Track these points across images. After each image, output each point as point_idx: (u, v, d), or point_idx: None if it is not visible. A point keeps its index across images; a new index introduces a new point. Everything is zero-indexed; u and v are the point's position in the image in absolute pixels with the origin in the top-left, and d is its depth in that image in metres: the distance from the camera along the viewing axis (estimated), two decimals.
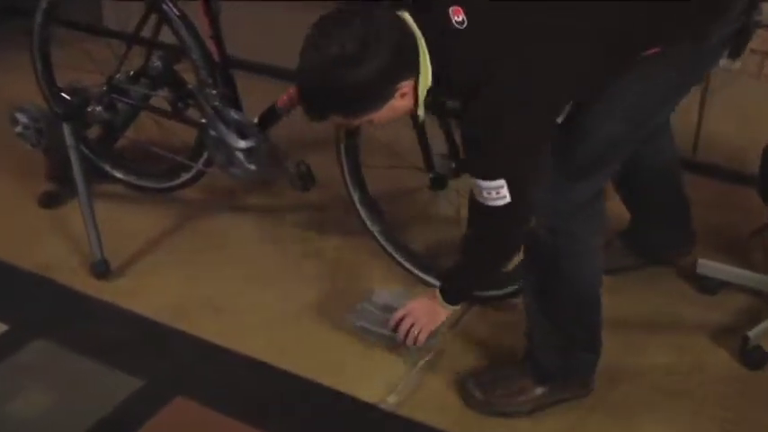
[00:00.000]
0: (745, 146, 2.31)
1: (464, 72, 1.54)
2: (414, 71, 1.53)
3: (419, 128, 2.04)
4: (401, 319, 1.88)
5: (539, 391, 1.86)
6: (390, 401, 1.93)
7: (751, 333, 1.99)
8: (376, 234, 2.27)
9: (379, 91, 1.53)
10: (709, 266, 2.19)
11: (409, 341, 1.88)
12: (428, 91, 1.56)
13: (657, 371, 2.00)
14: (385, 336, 1.97)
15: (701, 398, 1.94)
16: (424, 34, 1.53)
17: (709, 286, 2.20)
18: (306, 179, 2.26)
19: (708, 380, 1.98)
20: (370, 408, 1.91)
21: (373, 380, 1.98)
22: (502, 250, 1.73)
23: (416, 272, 2.24)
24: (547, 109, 1.54)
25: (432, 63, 1.54)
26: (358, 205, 2.26)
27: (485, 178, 1.56)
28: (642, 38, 1.54)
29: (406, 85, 1.54)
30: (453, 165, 2.09)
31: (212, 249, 2.41)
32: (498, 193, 1.56)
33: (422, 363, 1.99)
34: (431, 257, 2.27)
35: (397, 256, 2.26)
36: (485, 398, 1.89)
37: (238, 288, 2.26)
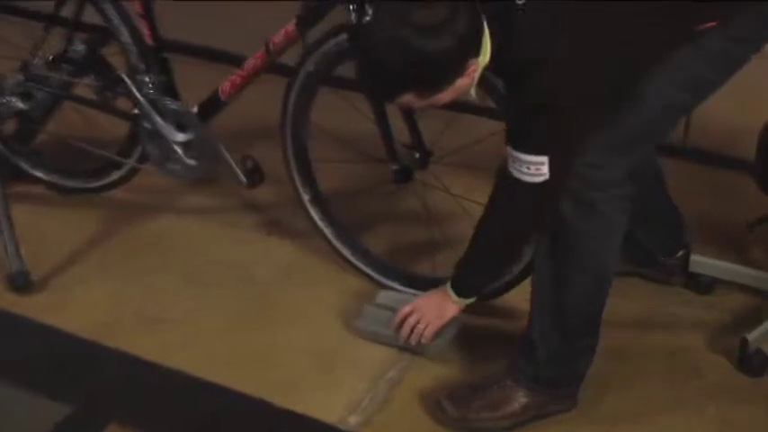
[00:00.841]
0: (741, 128, 2.33)
1: (524, 49, 1.62)
2: (480, 48, 1.63)
3: (382, 116, 2.07)
4: (406, 317, 1.94)
5: (522, 401, 1.87)
6: (352, 422, 1.93)
7: (750, 336, 2.00)
8: (329, 235, 2.28)
9: (459, 65, 1.61)
10: (703, 263, 2.19)
11: (413, 339, 1.93)
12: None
13: (649, 379, 2.01)
14: (392, 337, 2.00)
15: (696, 409, 1.95)
16: (483, 11, 1.63)
17: (703, 285, 2.22)
18: (253, 175, 2.25)
19: (704, 388, 1.99)
20: (329, 430, 1.90)
21: (332, 398, 1.97)
22: (526, 231, 1.79)
23: (377, 277, 2.24)
24: (605, 84, 1.62)
25: (492, 40, 1.63)
26: (308, 204, 2.27)
27: (529, 152, 1.63)
28: (697, 11, 1.64)
29: (474, 62, 1.63)
30: (417, 155, 2.12)
31: (147, 257, 2.39)
32: (538, 169, 1.63)
33: (386, 377, 2.00)
34: (393, 261, 2.28)
35: (353, 259, 2.27)
36: (459, 413, 1.89)
37: (176, 299, 2.25)
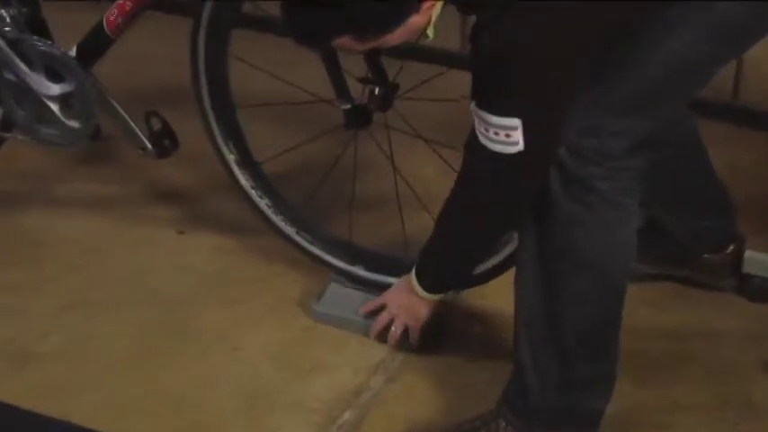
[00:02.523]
0: None
1: None
2: None
3: (329, 49, 2.07)
4: (377, 309, 2.09)
5: None
6: None
7: None
8: (265, 210, 2.28)
9: (408, 1, 1.66)
10: (761, 261, 2.19)
11: (392, 342, 2.09)
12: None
13: (689, 414, 2.00)
14: (361, 324, 2.14)
15: None
16: None
17: (758, 289, 2.20)
18: (162, 139, 2.23)
19: (761, 428, 1.97)
20: None
21: None
22: (500, 214, 1.81)
23: (333, 261, 2.25)
24: (592, 25, 1.63)
25: None
26: (235, 168, 2.28)
27: (497, 111, 1.64)
28: None
29: None
30: (378, 90, 2.10)
31: (13, 267, 2.37)
32: (509, 135, 1.64)
33: (339, 421, 1.99)
34: (354, 238, 2.27)
35: (300, 240, 2.27)
36: None
37: (55, 325, 2.22)
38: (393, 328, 2.08)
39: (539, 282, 1.79)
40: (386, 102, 2.13)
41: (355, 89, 2.14)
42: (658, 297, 2.21)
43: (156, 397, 2.04)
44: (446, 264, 1.99)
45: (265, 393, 2.04)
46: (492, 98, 1.66)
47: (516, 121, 1.63)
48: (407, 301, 2.05)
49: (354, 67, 2.11)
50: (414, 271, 2.01)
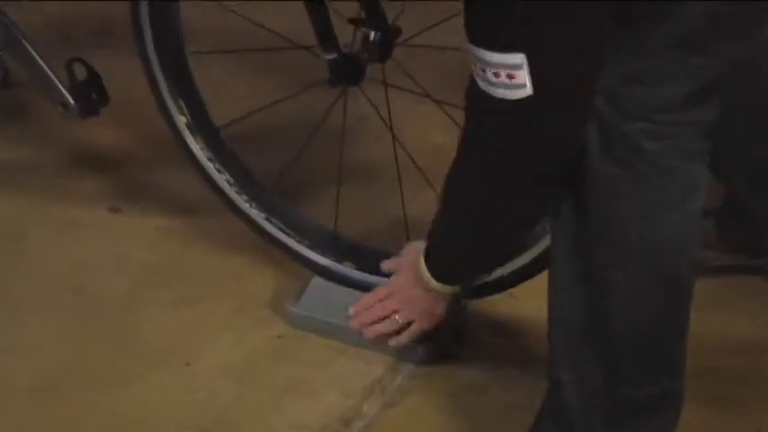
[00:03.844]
0: None
1: None
2: None
3: None
4: (378, 301, 2.03)
5: None
6: None
7: None
8: (224, 187, 2.25)
9: None
10: None
11: (395, 341, 2.01)
12: None
13: None
14: (351, 331, 2.08)
15: None
16: None
17: None
18: (87, 92, 2.24)
19: None
20: None
21: None
22: (517, 185, 1.74)
23: (310, 255, 2.22)
24: None
25: None
26: (185, 134, 2.25)
27: (492, 47, 1.59)
28: None
29: None
30: (374, 35, 2.09)
31: None
32: (512, 77, 1.59)
33: None
34: (338, 226, 2.25)
35: (268, 226, 2.25)
36: None
37: None
38: (397, 318, 2.02)
39: (576, 276, 1.76)
40: (383, 50, 2.11)
41: (344, 33, 2.10)
42: (731, 297, 2.20)
43: (84, 427, 1.99)
44: (456, 248, 1.91)
45: (227, 422, 2.00)
46: (486, 30, 1.61)
47: (519, 57, 1.57)
48: (415, 293, 1.97)
49: (343, 5, 2.09)
50: (422, 255, 1.93)
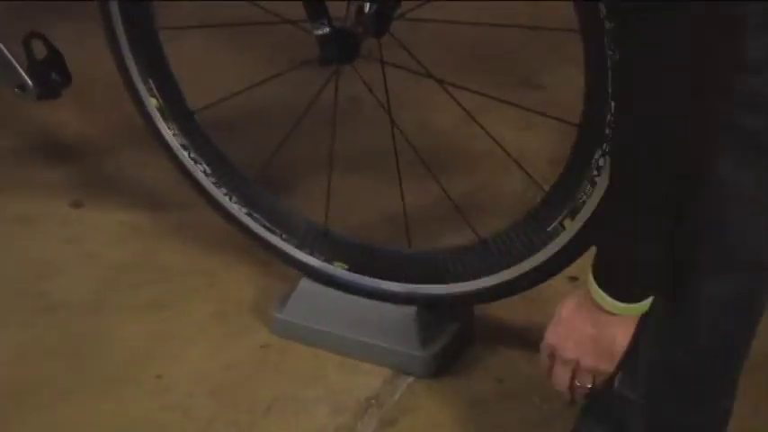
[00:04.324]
0: None
1: None
2: None
3: None
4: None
5: None
6: None
7: None
8: (199, 177, 2.24)
9: None
10: None
11: (578, 397, 1.84)
12: None
13: None
14: (344, 340, 2.08)
15: None
16: None
17: None
18: (47, 71, 2.25)
19: None
20: None
21: None
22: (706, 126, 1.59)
23: (301, 257, 2.19)
24: None
25: None
26: (155, 117, 2.24)
27: None
28: None
29: None
30: (368, 5, 2.08)
31: None
32: None
33: None
34: (329, 222, 2.22)
35: (249, 221, 2.23)
36: None
37: None
38: (577, 381, 1.82)
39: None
40: (380, 24, 2.08)
41: (336, 6, 2.06)
42: None
43: None
44: (633, 239, 1.73)
45: None
46: None
47: None
48: (593, 329, 1.78)
49: None
50: (591, 275, 1.74)
